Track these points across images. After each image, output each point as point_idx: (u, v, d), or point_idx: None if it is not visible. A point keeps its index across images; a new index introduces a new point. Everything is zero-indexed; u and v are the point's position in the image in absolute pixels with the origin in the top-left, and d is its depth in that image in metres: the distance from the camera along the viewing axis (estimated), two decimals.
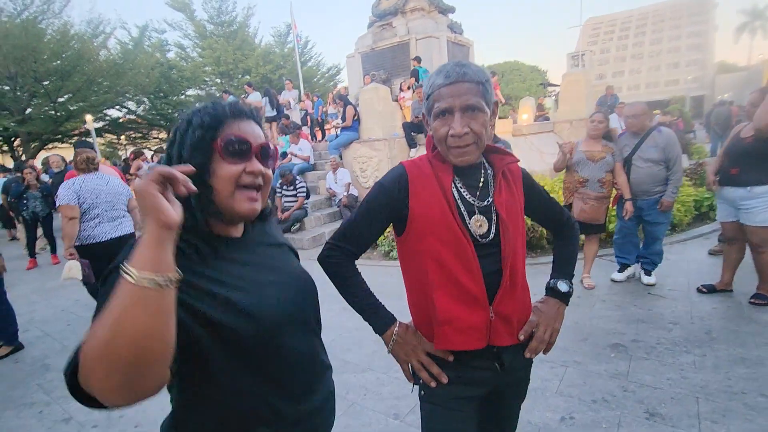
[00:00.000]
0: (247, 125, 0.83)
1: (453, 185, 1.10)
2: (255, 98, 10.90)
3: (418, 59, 9.41)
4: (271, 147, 0.86)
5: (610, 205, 3.78)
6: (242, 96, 12.31)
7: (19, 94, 16.13)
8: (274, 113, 10.72)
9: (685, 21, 57.44)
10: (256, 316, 0.79)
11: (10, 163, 17.43)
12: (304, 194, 6.89)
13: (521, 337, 1.13)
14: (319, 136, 12.13)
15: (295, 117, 11.36)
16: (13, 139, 17.69)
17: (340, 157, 8.15)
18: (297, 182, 6.88)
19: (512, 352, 1.15)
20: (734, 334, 2.85)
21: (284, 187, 6.90)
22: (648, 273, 3.83)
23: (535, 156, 8.20)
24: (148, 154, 10.38)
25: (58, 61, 16.41)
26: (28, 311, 4.50)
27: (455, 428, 1.13)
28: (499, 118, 11.60)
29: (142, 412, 2.52)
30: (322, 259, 1.19)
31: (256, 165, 0.81)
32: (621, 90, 51.73)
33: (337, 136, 8.43)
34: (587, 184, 3.63)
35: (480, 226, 1.09)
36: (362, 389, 2.59)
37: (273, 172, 0.93)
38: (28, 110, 16.63)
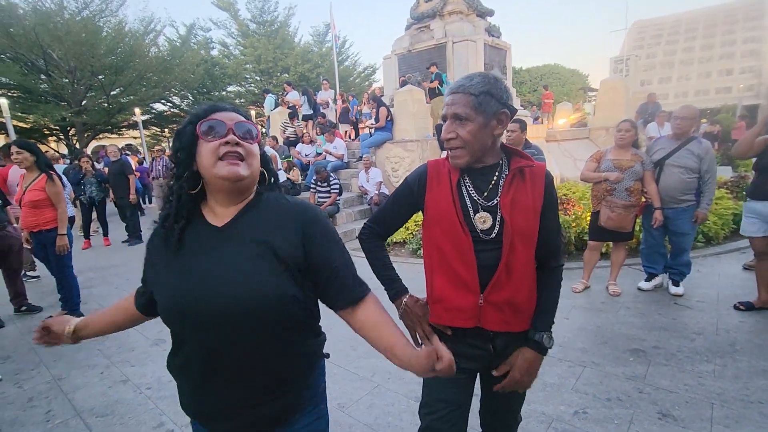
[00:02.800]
0: (224, 114, 0.96)
1: (461, 184, 1.26)
2: (293, 97, 11.31)
3: (435, 65, 9.62)
4: (251, 126, 0.98)
5: (637, 215, 3.80)
6: (281, 94, 12.76)
7: (77, 86, 17.31)
8: (311, 112, 11.09)
9: (740, 26, 54.42)
10: (172, 299, 0.94)
11: (64, 150, 18.78)
12: (337, 191, 7.16)
13: (494, 373, 1.27)
14: (352, 135, 12.42)
15: (331, 116, 11.67)
16: (68, 128, 18.99)
17: (373, 156, 8.37)
18: (331, 179, 7.15)
19: (506, 339, 1.27)
20: (759, 347, 2.85)
21: (318, 183, 7.19)
22: (676, 284, 3.82)
23: (569, 162, 8.15)
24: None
25: (113, 57, 17.50)
26: (86, 286, 4.95)
27: (447, 390, 1.30)
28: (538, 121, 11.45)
29: None
30: (359, 236, 1.46)
31: (231, 137, 0.92)
32: (667, 97, 49.61)
33: (370, 135, 8.65)
34: (615, 193, 3.67)
35: (484, 222, 1.22)
36: (386, 373, 2.78)
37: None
38: (84, 102, 17.83)
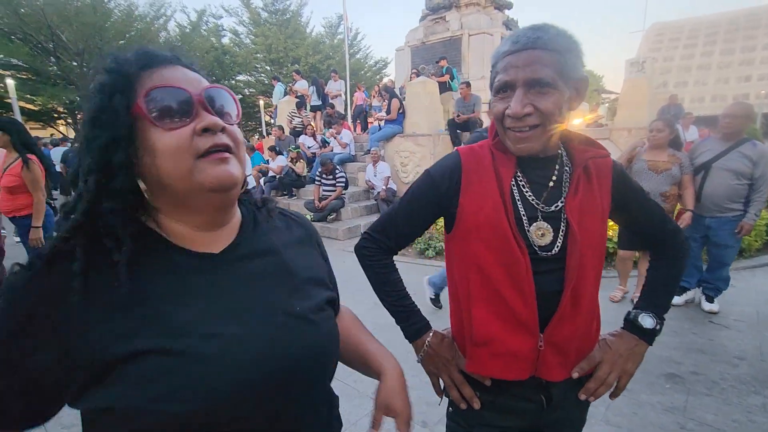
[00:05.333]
0: (172, 71, 0.58)
1: (514, 182, 0.92)
2: (302, 86, 11.02)
3: (445, 58, 9.24)
4: (226, 92, 0.61)
5: None
6: (290, 84, 12.47)
7: (85, 69, 17.14)
8: (320, 102, 10.79)
9: (762, 31, 53.18)
10: (181, 401, 0.51)
11: (73, 134, 18.68)
12: (343, 184, 6.86)
13: (574, 375, 0.95)
14: (359, 129, 12.09)
15: (341, 107, 11.35)
16: (76, 112, 18.86)
17: (382, 150, 8.06)
18: (337, 172, 6.85)
19: (565, 386, 0.96)
20: None
21: (324, 175, 6.89)
22: (710, 299, 3.47)
23: None
24: None
25: (122, 41, 17.32)
26: None
27: None
28: None
29: None
30: (357, 250, 1.07)
31: (209, 117, 0.56)
32: (683, 102, 48.76)
33: (380, 128, 8.33)
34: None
35: (542, 235, 0.89)
36: None
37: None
38: (92, 86, 17.66)
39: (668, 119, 3.52)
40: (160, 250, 0.58)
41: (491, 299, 0.91)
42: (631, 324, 1.00)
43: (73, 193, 0.57)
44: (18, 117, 13.88)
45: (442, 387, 1.05)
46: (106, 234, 0.53)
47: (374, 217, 7.10)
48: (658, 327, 0.98)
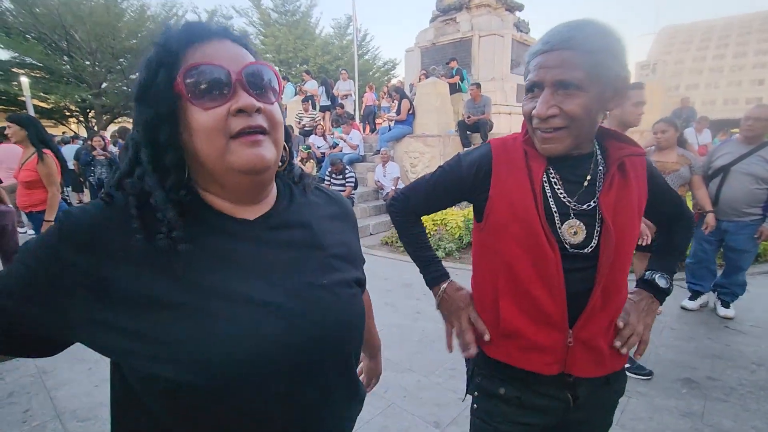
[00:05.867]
0: (218, 47, 0.57)
1: (545, 178, 0.91)
2: (312, 86, 11.04)
3: (455, 60, 9.20)
4: (266, 69, 0.59)
5: None
6: (299, 84, 12.51)
7: (97, 68, 17.36)
8: (329, 103, 10.80)
9: None
10: (205, 362, 0.52)
11: (84, 133, 18.90)
12: (353, 184, 6.87)
13: (620, 324, 0.96)
14: (367, 130, 12.07)
15: (350, 107, 11.35)
16: (88, 110, 19.07)
17: (392, 150, 8.05)
18: (346, 172, 6.86)
19: (592, 385, 0.96)
20: None
21: (333, 175, 6.90)
22: (725, 305, 3.42)
23: None
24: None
25: (134, 41, 17.51)
26: None
27: None
28: None
29: None
30: (388, 206, 1.18)
31: (244, 98, 0.55)
32: (694, 105, 48.32)
33: (390, 128, 8.33)
34: None
35: (575, 233, 0.89)
36: (402, 390, 2.47)
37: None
38: (104, 84, 17.88)
39: (670, 119, 3.42)
40: (199, 210, 0.59)
41: (518, 295, 0.91)
42: (648, 284, 1.05)
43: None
44: (31, 114, 14.09)
45: (467, 383, 1.07)
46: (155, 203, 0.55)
47: (383, 218, 7.09)
48: (670, 287, 1.05)
